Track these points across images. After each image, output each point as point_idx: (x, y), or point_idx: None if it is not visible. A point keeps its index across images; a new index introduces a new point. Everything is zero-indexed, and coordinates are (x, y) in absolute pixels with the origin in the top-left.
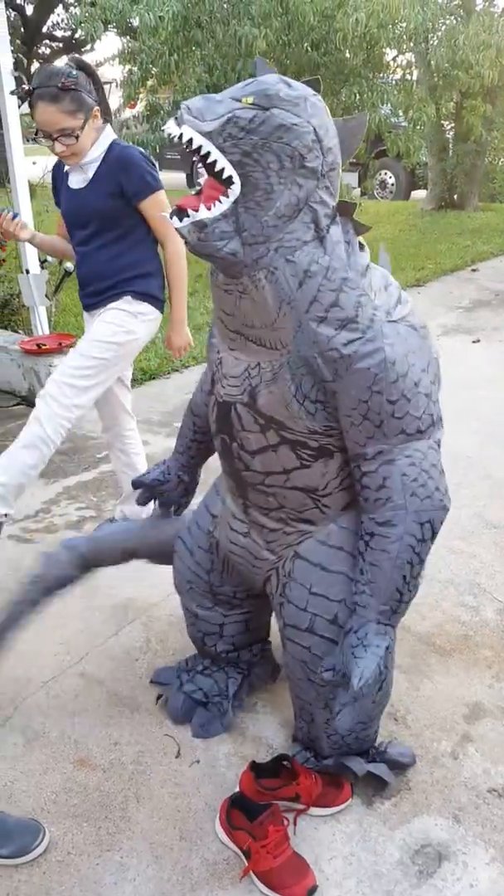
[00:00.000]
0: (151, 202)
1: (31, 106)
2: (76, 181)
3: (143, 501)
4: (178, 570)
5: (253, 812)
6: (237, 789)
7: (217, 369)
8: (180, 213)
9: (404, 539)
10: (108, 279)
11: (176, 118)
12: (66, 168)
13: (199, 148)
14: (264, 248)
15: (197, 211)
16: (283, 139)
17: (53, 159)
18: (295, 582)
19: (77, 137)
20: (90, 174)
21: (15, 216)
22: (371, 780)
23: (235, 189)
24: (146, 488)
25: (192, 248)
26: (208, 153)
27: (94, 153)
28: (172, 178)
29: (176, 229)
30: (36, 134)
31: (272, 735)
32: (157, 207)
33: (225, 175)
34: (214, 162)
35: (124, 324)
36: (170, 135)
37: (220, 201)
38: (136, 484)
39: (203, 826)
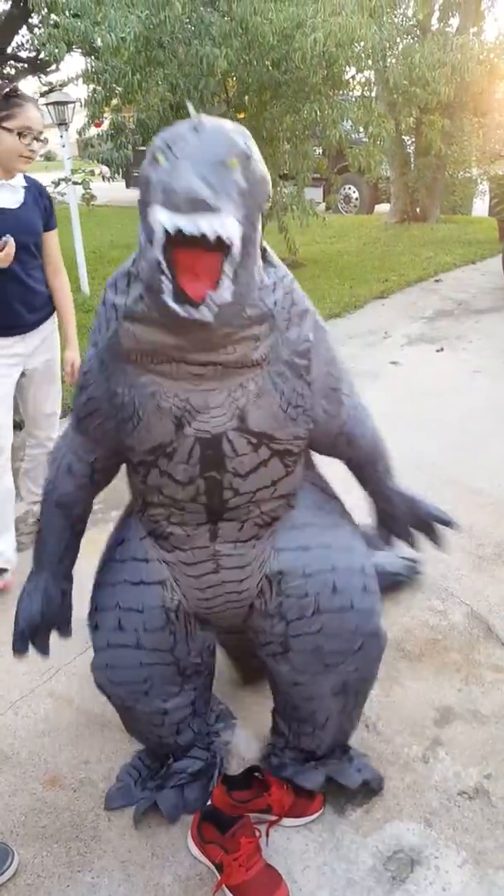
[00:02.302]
0: (55, 234)
1: (14, 106)
2: (7, 200)
3: (44, 650)
4: (120, 682)
5: (224, 825)
6: (209, 803)
7: (183, 411)
8: (186, 300)
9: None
10: (42, 299)
11: (167, 205)
12: None
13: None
14: (251, 296)
15: (214, 290)
16: (263, 190)
17: None
18: (289, 574)
19: (42, 144)
20: (21, 196)
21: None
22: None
23: (235, 253)
24: (40, 635)
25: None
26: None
27: (20, 178)
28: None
29: (193, 320)
30: (20, 134)
31: (244, 748)
32: (56, 240)
33: (228, 243)
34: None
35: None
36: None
37: (225, 273)
38: (24, 642)
39: (175, 842)
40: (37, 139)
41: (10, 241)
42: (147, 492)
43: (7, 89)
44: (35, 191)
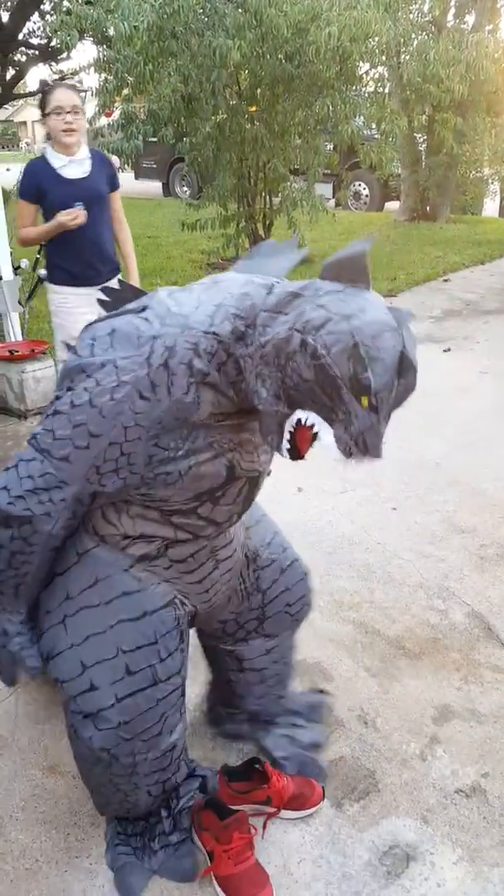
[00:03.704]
0: (118, 194)
1: (45, 94)
2: (75, 172)
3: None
4: (135, 734)
5: (225, 815)
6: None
7: (234, 455)
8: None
9: None
10: (108, 254)
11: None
12: (60, 165)
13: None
14: None
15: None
16: None
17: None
18: (259, 548)
19: (82, 116)
20: (88, 167)
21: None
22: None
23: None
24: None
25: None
26: None
27: (84, 153)
28: (149, 186)
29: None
30: (45, 115)
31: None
32: (118, 196)
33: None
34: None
35: None
36: None
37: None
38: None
39: None
40: (67, 111)
41: (82, 212)
42: (158, 530)
43: (45, 88)
44: (98, 159)
